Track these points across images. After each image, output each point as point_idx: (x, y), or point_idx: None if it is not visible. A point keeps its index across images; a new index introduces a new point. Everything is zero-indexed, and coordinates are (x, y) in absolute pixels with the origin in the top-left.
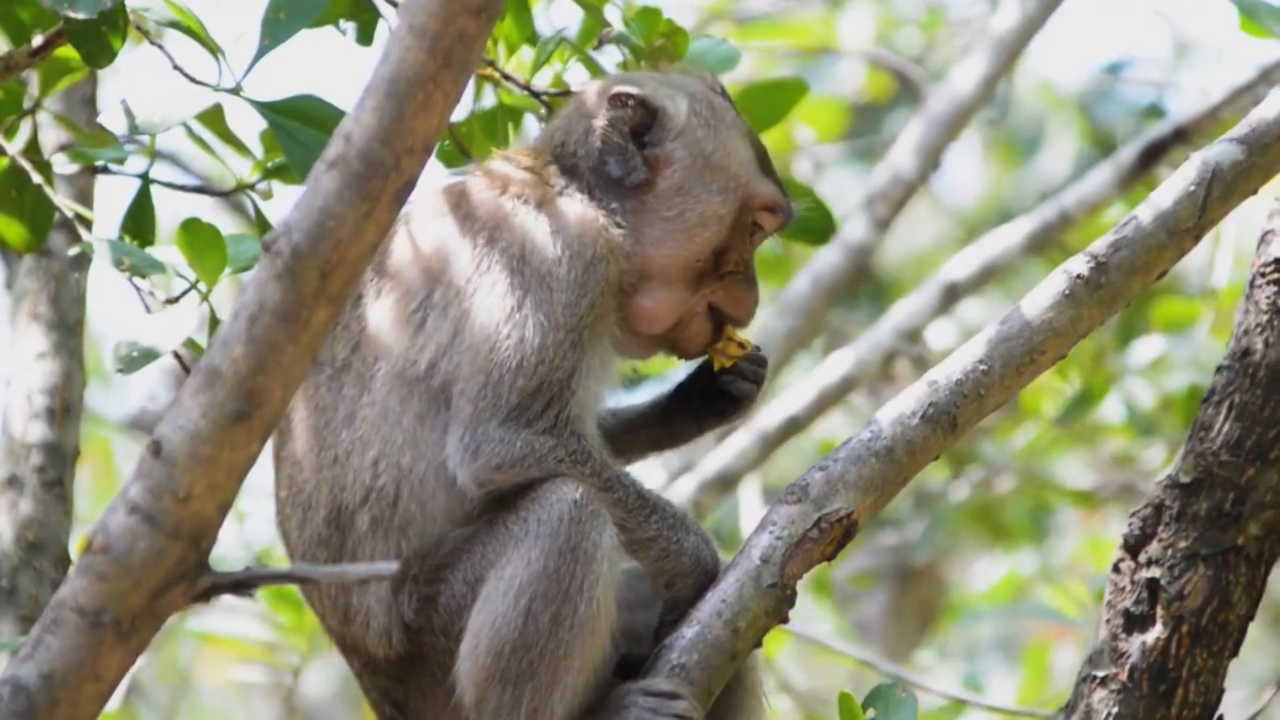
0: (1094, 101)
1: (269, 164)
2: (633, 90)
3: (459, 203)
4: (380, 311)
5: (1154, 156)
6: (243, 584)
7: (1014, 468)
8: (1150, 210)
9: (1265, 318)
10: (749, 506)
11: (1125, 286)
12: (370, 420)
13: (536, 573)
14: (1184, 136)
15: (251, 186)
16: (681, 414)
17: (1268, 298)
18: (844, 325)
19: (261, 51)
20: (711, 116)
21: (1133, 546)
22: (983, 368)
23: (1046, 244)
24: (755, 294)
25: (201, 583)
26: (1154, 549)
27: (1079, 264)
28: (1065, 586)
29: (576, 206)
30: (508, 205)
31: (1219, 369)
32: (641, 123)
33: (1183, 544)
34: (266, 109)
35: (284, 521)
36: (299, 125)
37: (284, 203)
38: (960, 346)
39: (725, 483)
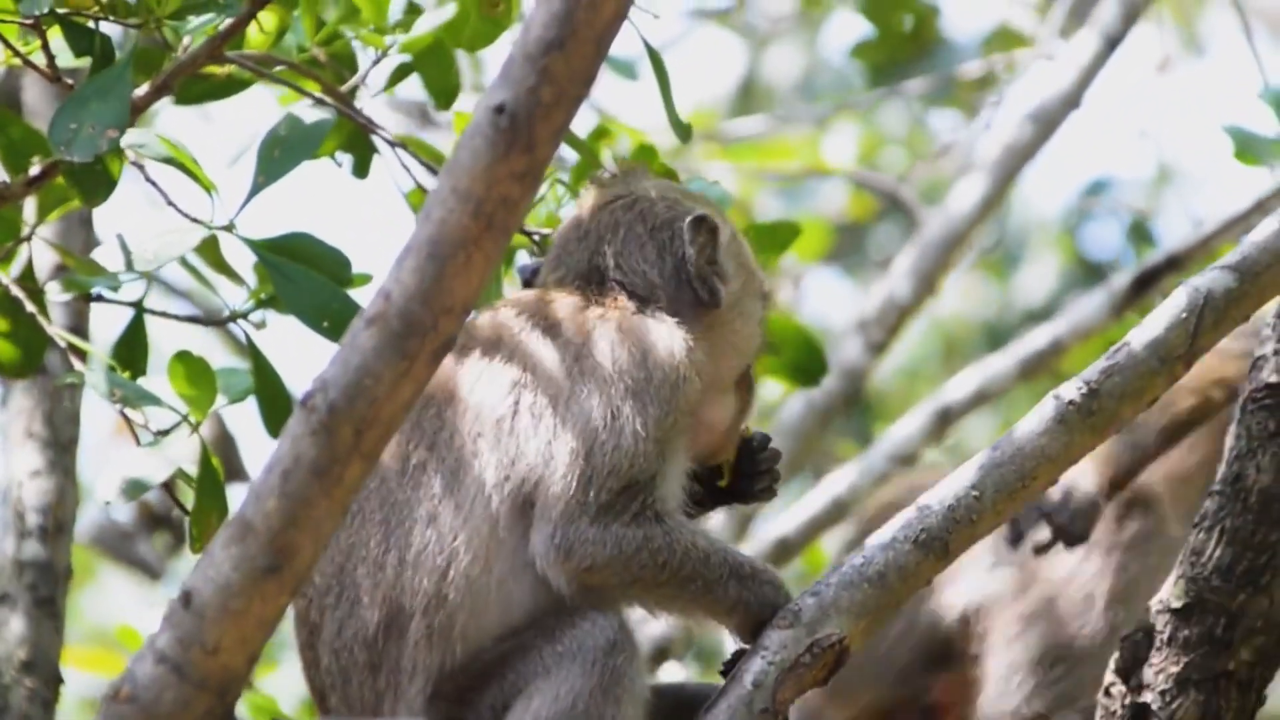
0: (1077, 222)
1: (262, 294)
2: (708, 215)
3: (543, 316)
4: (463, 415)
5: (1147, 284)
6: None
7: None
8: (1142, 337)
9: (1256, 444)
10: None
11: (1117, 413)
12: (448, 524)
13: (565, 709)
14: (1177, 265)
15: (245, 315)
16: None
17: (1259, 423)
18: (834, 447)
19: (256, 189)
20: (726, 221)
21: (1124, 671)
22: (974, 494)
23: (1039, 369)
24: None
25: None
26: (1146, 674)
27: (1071, 390)
28: None
29: (663, 327)
30: (596, 322)
31: (1210, 493)
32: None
33: (1174, 669)
34: (259, 246)
35: (318, 610)
36: (291, 263)
37: (277, 332)
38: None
39: None
